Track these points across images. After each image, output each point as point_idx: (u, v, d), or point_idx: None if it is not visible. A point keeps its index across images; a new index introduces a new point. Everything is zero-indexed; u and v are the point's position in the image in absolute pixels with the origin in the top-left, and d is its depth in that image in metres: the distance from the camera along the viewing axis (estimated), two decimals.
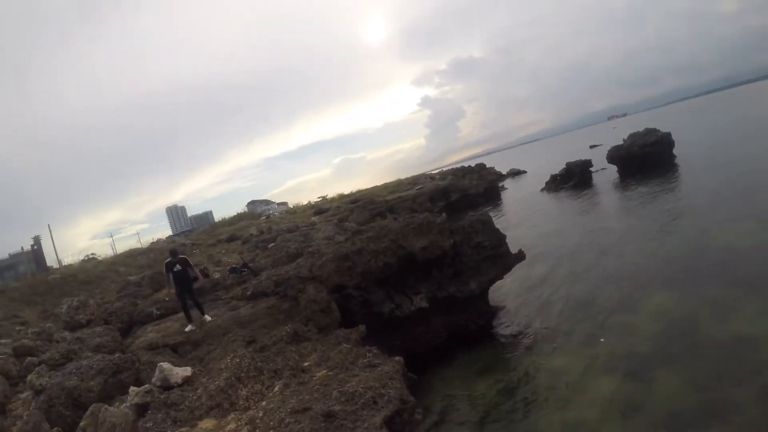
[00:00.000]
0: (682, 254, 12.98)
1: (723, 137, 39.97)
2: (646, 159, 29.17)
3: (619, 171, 30.61)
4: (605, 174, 32.59)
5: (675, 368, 8.15)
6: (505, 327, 11.79)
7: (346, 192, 45.89)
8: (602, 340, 9.69)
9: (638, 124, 46.06)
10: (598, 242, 16.31)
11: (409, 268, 10.78)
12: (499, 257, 11.71)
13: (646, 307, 10.49)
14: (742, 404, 6.87)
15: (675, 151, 31.60)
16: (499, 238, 11.89)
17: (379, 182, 57.19)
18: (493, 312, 12.17)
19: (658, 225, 16.56)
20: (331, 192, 47.83)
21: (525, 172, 58.97)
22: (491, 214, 28.11)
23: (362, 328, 7.88)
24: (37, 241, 35.97)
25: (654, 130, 31.08)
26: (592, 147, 66.16)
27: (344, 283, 10.06)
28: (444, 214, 13.42)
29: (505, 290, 13.59)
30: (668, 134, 30.70)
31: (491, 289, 12.25)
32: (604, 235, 17.27)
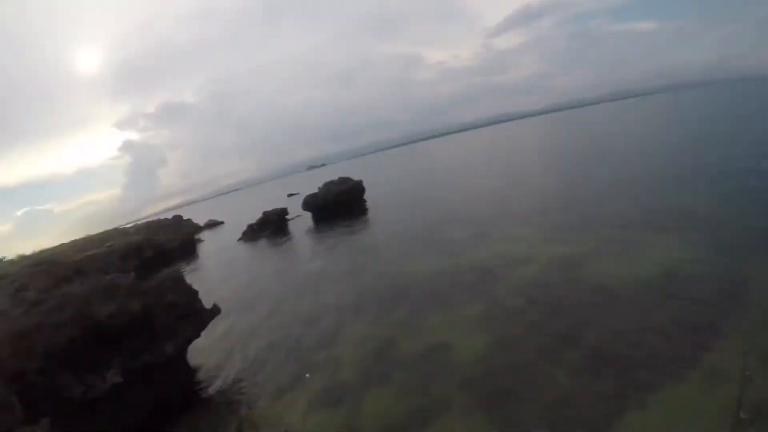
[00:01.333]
0: (373, 286, 15.26)
1: (406, 185, 49.52)
2: (339, 205, 32.96)
3: (314, 217, 33.81)
4: (301, 221, 35.53)
5: (382, 386, 9.47)
6: (210, 386, 11.43)
7: (29, 252, 38.02)
8: (308, 376, 10.50)
9: (336, 172, 49.96)
10: (295, 285, 17.66)
11: (97, 340, 9.78)
12: (194, 314, 11.78)
13: (345, 338, 11.83)
14: (449, 400, 8.49)
15: (365, 196, 36.73)
16: (192, 295, 12.00)
17: (69, 238, 53.57)
18: (195, 372, 12.05)
19: (349, 264, 18.99)
20: (11, 252, 40.43)
21: (223, 222, 60.48)
22: (188, 268, 27.98)
23: (46, 422, 7.15)
24: None
25: (347, 179, 36.10)
26: (290, 195, 73.63)
27: (24, 369, 8.39)
28: (133, 274, 12.37)
29: (205, 347, 13.23)
30: (360, 182, 36.40)
31: (191, 348, 12.18)
32: (299, 278, 18.74)
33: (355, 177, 37.91)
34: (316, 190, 35.19)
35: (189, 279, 13.09)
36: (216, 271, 25.04)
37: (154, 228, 42.40)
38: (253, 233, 33.13)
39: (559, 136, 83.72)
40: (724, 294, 10.20)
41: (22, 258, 36.07)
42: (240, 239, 33.59)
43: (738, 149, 28.70)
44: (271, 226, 32.40)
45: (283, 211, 33.71)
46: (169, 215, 52.37)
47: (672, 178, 23.51)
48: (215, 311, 12.52)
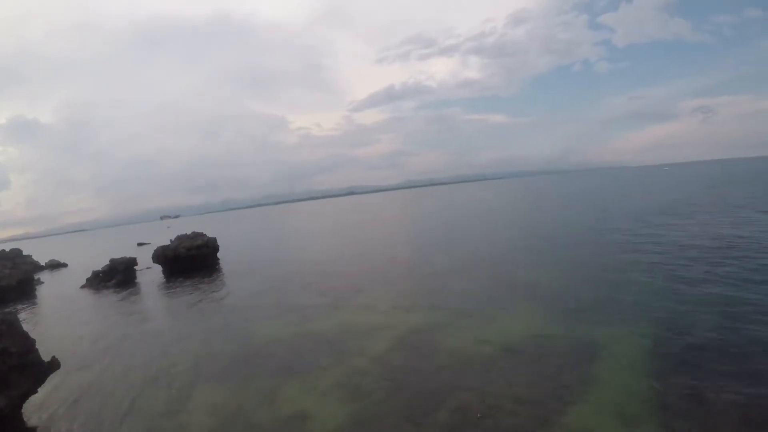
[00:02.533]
0: (225, 349, 14.97)
1: (262, 246, 50.29)
2: (191, 261, 32.90)
3: (164, 271, 33.01)
4: (150, 273, 34.38)
5: None
6: None
7: None
8: None
9: (190, 225, 49.60)
10: (141, 344, 16.68)
11: None
12: (30, 366, 10.75)
13: (196, 404, 11.30)
14: None
15: (219, 254, 36.96)
16: (28, 344, 10.95)
17: None
18: None
19: (199, 324, 18.62)
20: None
21: (66, 265, 54.81)
22: (24, 313, 25.18)
23: None
24: None
25: (201, 234, 36.11)
26: (140, 245, 70.42)
27: None
28: None
29: (43, 405, 12.00)
30: (214, 239, 36.87)
31: (27, 405, 11.18)
32: (146, 335, 17.85)
33: (210, 233, 37.91)
34: (168, 242, 34.30)
35: (25, 325, 12.19)
36: (55, 319, 22.78)
37: None
38: (98, 281, 30.90)
39: (412, 210, 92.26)
40: (571, 356, 11.51)
41: None
42: (84, 286, 31.01)
43: (571, 226, 36.08)
44: (118, 276, 30.51)
45: (132, 261, 31.91)
46: (6, 247, 46.28)
47: (515, 251, 27.23)
48: (54, 365, 11.55)
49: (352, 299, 19.71)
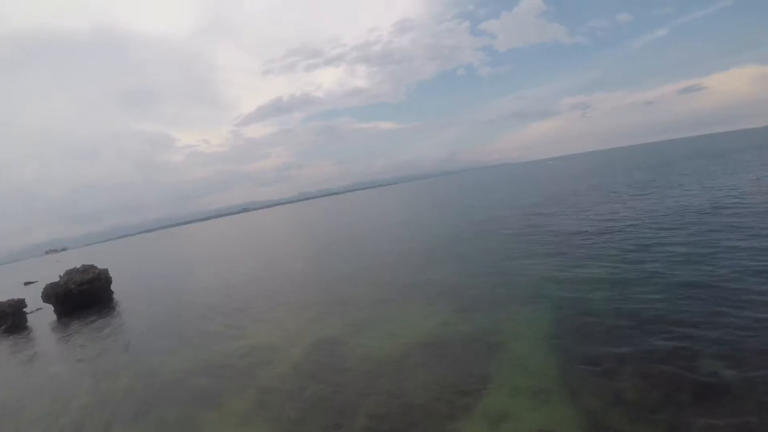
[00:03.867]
0: (131, 387, 14.79)
1: (156, 273, 50.26)
2: (84, 296, 32.62)
3: (56, 310, 32.32)
4: (42, 314, 33.46)
5: None
6: None
7: None
8: None
9: (79, 258, 48.24)
10: (42, 393, 16.03)
11: None
12: None
13: None
14: None
15: (113, 287, 36.81)
16: None
17: None
18: None
19: (101, 363, 18.25)
20: None
21: None
22: None
23: None
24: None
25: (92, 267, 35.64)
26: (27, 284, 67.87)
27: None
28: None
29: None
30: (105, 270, 36.48)
31: None
32: (46, 384, 17.05)
33: (101, 264, 37.60)
34: (57, 278, 33.35)
35: None
36: None
37: None
38: None
39: (307, 222, 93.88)
40: (478, 345, 12.40)
41: None
42: None
43: (461, 223, 40.28)
44: (7, 321, 29.66)
45: (21, 303, 31.06)
46: None
47: (415, 253, 29.50)
48: None
49: (254, 319, 20.13)
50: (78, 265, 35.71)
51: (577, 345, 11.60)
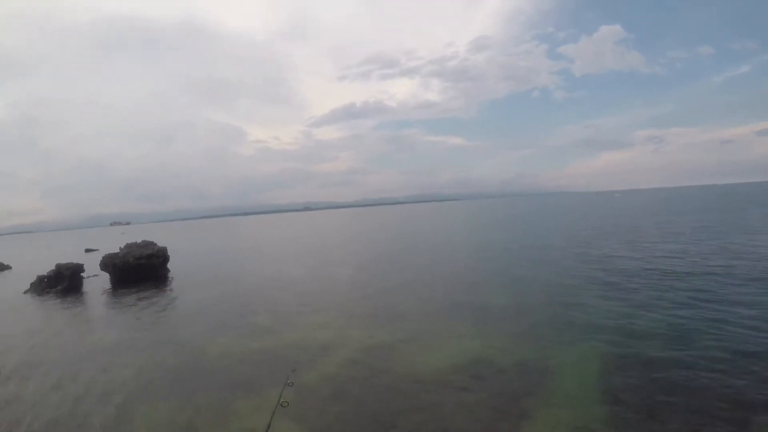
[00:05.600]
0: (172, 363, 14.79)
1: (213, 259, 50.44)
2: (140, 270, 32.80)
3: (112, 280, 32.70)
4: (97, 281, 34.09)
5: None
6: None
7: None
8: None
9: (141, 233, 49.59)
10: (88, 354, 16.29)
11: None
12: None
13: (142, 421, 10.99)
14: None
15: (169, 265, 36.98)
16: None
17: None
18: None
19: (145, 335, 18.59)
20: None
21: (10, 267, 53.01)
22: None
23: None
24: None
25: (152, 243, 36.17)
26: (88, 251, 69.81)
27: None
28: None
29: None
30: (164, 248, 36.82)
31: None
32: (93, 346, 17.40)
33: (161, 242, 37.84)
34: (117, 250, 34.12)
35: None
36: None
37: None
38: (42, 286, 30.36)
39: (367, 228, 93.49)
40: (525, 375, 11.94)
41: None
42: (27, 291, 30.55)
43: (520, 247, 38.78)
44: (64, 282, 30.04)
45: (79, 268, 31.58)
46: None
47: (470, 271, 28.72)
48: None
49: (304, 316, 19.87)
50: (139, 240, 36.42)
51: (628, 389, 10.85)
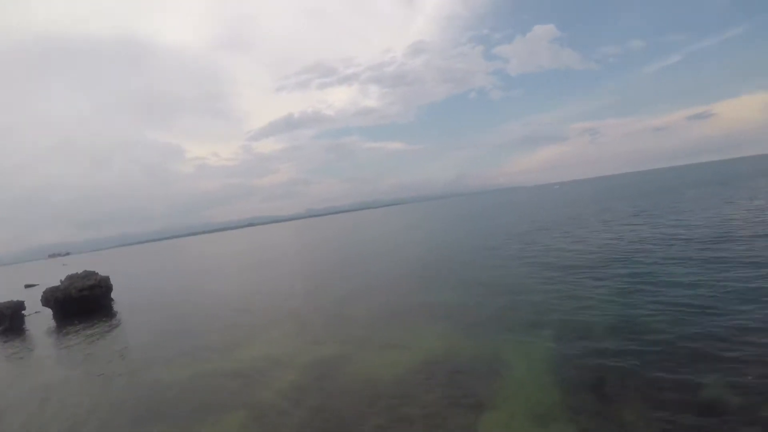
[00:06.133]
0: (126, 396, 14.61)
1: (159, 283, 50.22)
2: (83, 302, 32.62)
3: (55, 315, 32.32)
4: (40, 318, 33.39)
5: None
6: None
7: None
8: None
9: (82, 264, 48.79)
10: (36, 397, 15.84)
11: None
12: None
13: None
14: None
15: (113, 295, 37.10)
16: None
17: None
18: None
19: (98, 370, 18.13)
20: None
21: None
22: None
23: None
24: None
25: (93, 273, 35.64)
26: (27, 287, 67.33)
27: None
28: None
29: None
30: (107, 278, 36.44)
31: None
32: (40, 390, 16.73)
33: (103, 271, 37.53)
34: (58, 283, 33.54)
35: None
36: None
37: None
38: None
39: (312, 240, 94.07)
40: (480, 368, 12.49)
41: None
42: None
43: (465, 246, 40.89)
44: (4, 322, 29.54)
45: (20, 305, 31.08)
46: None
47: (418, 274, 29.74)
48: None
49: (254, 335, 20.04)
50: (80, 271, 35.66)
51: (580, 369, 11.64)
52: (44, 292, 33.01)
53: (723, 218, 32.96)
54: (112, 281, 36.75)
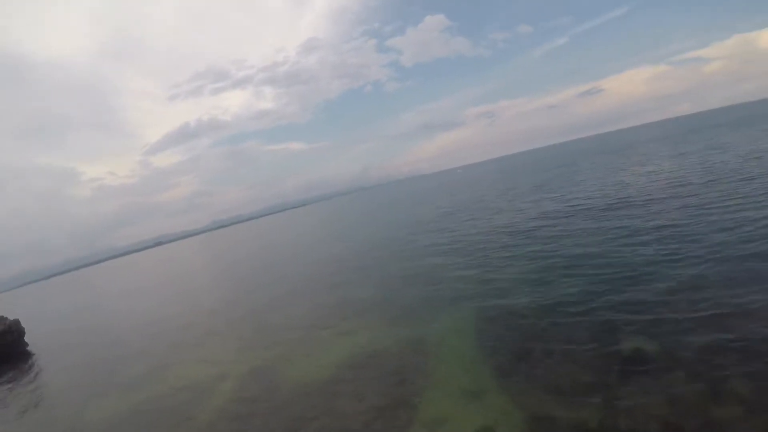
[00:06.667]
0: None
1: (72, 319, 47.08)
2: None
3: None
4: None
5: None
6: None
7: None
8: None
9: None
10: None
11: None
12: None
13: None
14: None
15: (26, 338, 34.19)
16: None
17: None
18: None
19: (24, 425, 16.84)
20: None
21: None
22: None
23: None
24: None
25: (2, 318, 32.99)
26: None
27: None
28: None
29: None
30: (17, 321, 33.78)
31: None
32: None
33: (10, 314, 35.07)
34: None
35: None
36: None
37: None
38: None
39: (221, 252, 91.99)
40: (409, 355, 12.96)
41: None
42: None
43: (373, 240, 41.25)
44: None
45: None
46: None
47: (332, 273, 29.85)
48: None
49: (181, 355, 19.80)
50: None
51: (505, 343, 12.21)
52: None
53: (620, 185, 35.89)
54: (24, 324, 34.00)
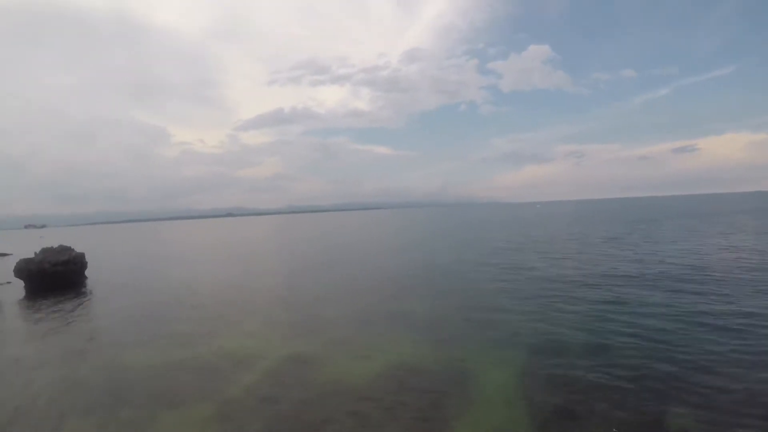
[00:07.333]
0: (92, 380, 14.41)
1: (134, 266, 49.79)
2: (57, 277, 32.35)
3: (27, 287, 32.02)
4: (11, 289, 32.94)
5: None
6: None
7: None
8: None
9: (58, 237, 48.13)
10: (4, 373, 15.52)
11: None
12: None
13: None
14: None
15: (87, 272, 37.08)
16: None
17: None
18: None
19: (63, 350, 17.66)
20: None
21: None
22: None
23: None
24: None
25: (69, 248, 35.25)
26: (0, 255, 65.69)
27: None
28: None
29: None
30: (82, 254, 36.20)
31: None
32: (4, 363, 16.58)
33: (79, 247, 37.41)
34: (32, 255, 33.20)
35: None
36: None
37: None
38: None
39: (294, 237, 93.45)
40: (447, 381, 12.53)
41: None
42: None
43: (446, 256, 41.16)
44: None
45: None
46: None
47: (397, 281, 29.62)
48: None
49: (227, 326, 19.93)
50: (56, 245, 35.49)
51: (547, 390, 11.69)
52: (17, 263, 32.59)
53: (700, 253, 33.84)
54: (88, 259, 36.55)
